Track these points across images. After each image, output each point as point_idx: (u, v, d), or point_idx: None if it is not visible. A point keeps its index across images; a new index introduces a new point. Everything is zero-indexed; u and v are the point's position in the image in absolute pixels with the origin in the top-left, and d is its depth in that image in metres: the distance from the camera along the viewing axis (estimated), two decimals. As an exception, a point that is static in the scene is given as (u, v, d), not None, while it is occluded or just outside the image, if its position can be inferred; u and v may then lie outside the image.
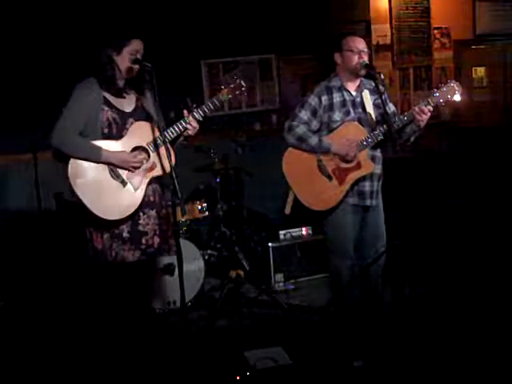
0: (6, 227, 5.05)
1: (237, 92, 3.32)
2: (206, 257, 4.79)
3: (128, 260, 3.15)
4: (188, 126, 3.19)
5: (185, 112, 3.23)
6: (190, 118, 3.20)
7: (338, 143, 3.57)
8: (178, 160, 3.11)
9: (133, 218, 3.15)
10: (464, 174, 5.94)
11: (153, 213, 3.23)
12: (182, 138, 3.27)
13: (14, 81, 5.08)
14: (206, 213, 4.89)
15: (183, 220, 4.71)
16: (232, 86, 3.31)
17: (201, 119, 3.24)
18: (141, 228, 3.19)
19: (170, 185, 2.96)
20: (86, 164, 3.06)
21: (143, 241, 3.19)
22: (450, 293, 4.32)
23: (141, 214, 3.19)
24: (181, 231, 4.70)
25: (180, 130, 3.19)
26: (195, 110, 3.23)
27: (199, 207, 4.84)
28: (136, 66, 3.09)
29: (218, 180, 5.01)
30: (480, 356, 3.34)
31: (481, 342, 3.49)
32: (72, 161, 3.05)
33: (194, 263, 4.51)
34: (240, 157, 5.37)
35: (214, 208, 5.05)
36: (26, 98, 5.05)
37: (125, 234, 3.15)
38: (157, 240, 3.24)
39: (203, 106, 3.24)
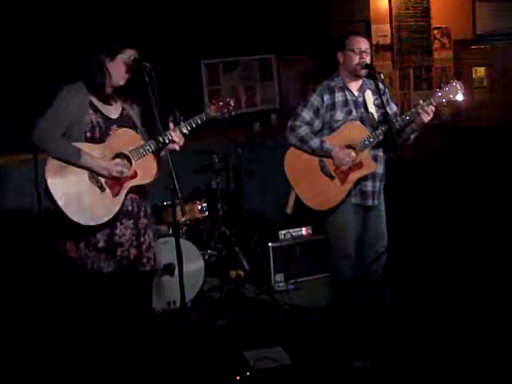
0: (6, 227, 5.04)
1: (224, 110, 3.25)
2: (206, 257, 4.80)
3: (104, 271, 3.06)
4: (175, 139, 3.08)
5: (171, 125, 3.13)
6: (177, 132, 3.10)
7: (338, 151, 3.55)
8: (178, 160, 3.07)
9: (110, 227, 3.06)
10: (464, 174, 5.93)
11: (130, 223, 3.12)
12: (165, 151, 3.10)
13: (14, 81, 5.07)
14: (206, 213, 4.89)
15: (183, 220, 4.71)
16: (220, 103, 3.25)
17: (187, 132, 3.15)
18: (117, 239, 3.08)
19: (170, 184, 2.93)
20: (64, 164, 2.97)
21: (118, 252, 3.10)
22: (451, 293, 4.32)
23: (118, 223, 3.08)
24: (180, 231, 4.71)
25: (164, 141, 3.06)
26: (182, 123, 3.14)
27: (199, 207, 4.84)
28: (132, 71, 3.03)
29: (217, 180, 5.01)
30: (480, 355, 3.34)
31: (481, 341, 3.49)
32: (50, 160, 2.98)
33: (193, 263, 4.50)
34: (240, 157, 5.37)
35: (214, 208, 5.05)
36: (26, 98, 5.03)
37: (100, 244, 3.05)
38: (133, 251, 3.14)
39: (190, 120, 3.15)
